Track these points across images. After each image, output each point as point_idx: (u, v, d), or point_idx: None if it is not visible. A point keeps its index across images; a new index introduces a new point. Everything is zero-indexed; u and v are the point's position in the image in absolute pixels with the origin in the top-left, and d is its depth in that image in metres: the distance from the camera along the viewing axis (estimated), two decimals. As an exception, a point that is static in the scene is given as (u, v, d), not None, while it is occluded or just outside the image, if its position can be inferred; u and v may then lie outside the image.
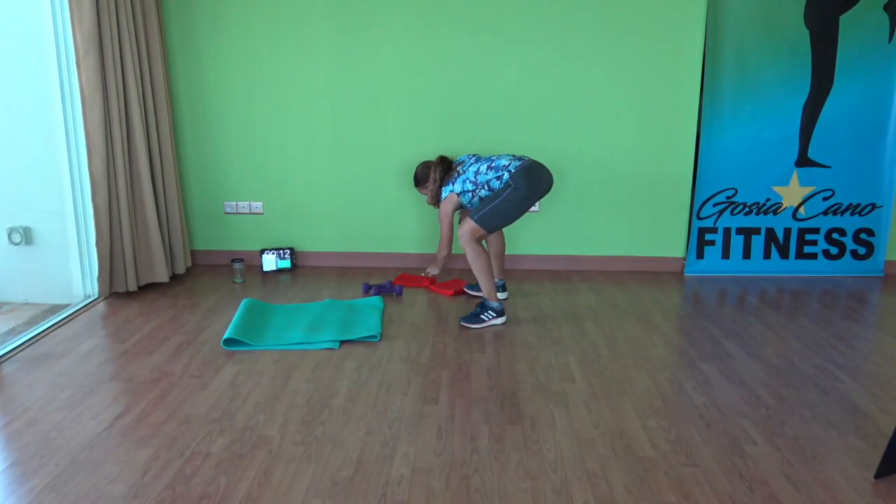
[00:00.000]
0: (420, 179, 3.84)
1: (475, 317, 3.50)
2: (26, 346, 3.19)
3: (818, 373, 2.95)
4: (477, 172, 3.56)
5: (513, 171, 3.44)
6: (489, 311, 3.50)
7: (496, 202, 3.44)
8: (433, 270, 4.10)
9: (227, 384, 2.81)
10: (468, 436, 2.41)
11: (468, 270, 4.45)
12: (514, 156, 3.56)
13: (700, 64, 4.19)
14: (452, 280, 4.27)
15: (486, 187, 3.54)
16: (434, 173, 3.72)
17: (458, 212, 3.86)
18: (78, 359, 3.06)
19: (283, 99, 4.37)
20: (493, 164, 3.52)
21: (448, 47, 4.22)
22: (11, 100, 3.74)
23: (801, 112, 4.23)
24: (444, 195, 3.68)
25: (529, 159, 3.52)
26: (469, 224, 3.46)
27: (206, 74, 4.35)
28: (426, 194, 3.80)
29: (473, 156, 3.73)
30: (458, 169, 3.69)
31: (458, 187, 3.62)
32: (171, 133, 4.18)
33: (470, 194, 3.60)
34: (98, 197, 3.70)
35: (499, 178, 3.48)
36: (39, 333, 3.34)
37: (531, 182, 3.43)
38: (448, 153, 4.34)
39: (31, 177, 3.83)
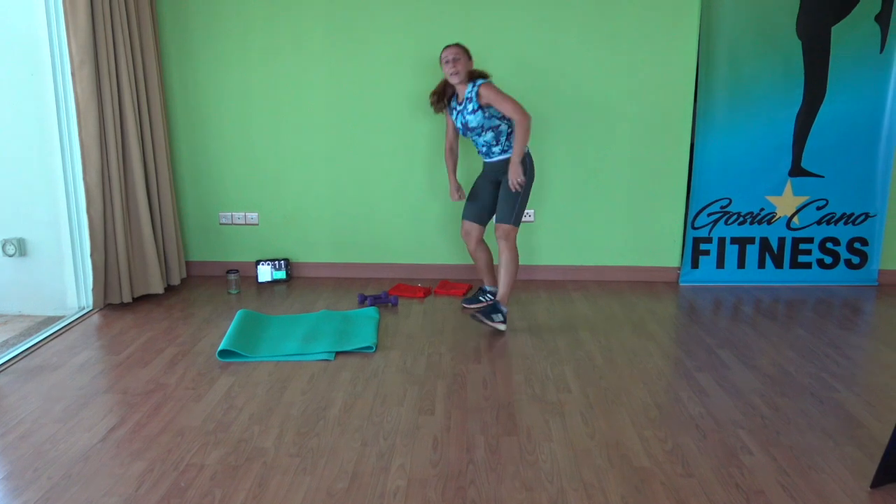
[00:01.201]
0: (465, 48, 3.59)
1: (487, 315, 3.50)
2: (20, 359, 3.18)
3: (813, 382, 2.96)
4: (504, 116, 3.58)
5: (527, 150, 3.60)
6: (500, 314, 3.54)
7: (520, 198, 3.56)
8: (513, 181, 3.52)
9: (221, 396, 2.80)
10: (464, 447, 2.41)
11: (475, 279, 4.46)
12: None
13: (693, 74, 4.22)
14: (455, 283, 4.36)
15: (507, 127, 3.57)
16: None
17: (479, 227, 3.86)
18: (72, 371, 3.05)
19: (278, 109, 4.37)
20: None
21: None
22: (6, 111, 3.74)
23: (794, 122, 4.26)
24: (476, 85, 3.51)
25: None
26: (506, 228, 3.57)
27: (201, 85, 4.36)
28: (461, 59, 3.51)
29: None
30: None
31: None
32: (167, 144, 4.18)
33: (497, 120, 3.53)
34: (93, 208, 3.69)
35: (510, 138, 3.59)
36: (33, 345, 3.32)
37: (533, 169, 3.64)
38: (444, 163, 4.36)
39: (26, 188, 3.82)
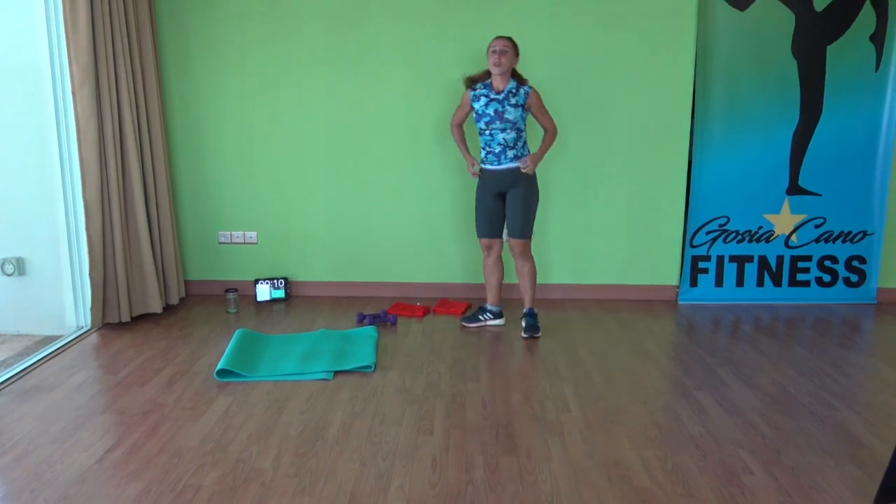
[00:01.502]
0: (516, 48, 3.66)
1: (536, 329, 3.77)
2: (17, 378, 3.16)
3: (813, 401, 2.95)
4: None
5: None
6: (539, 322, 3.87)
7: (531, 212, 3.75)
8: (530, 165, 3.71)
9: (219, 416, 2.79)
10: (463, 467, 2.39)
11: (474, 298, 4.46)
12: None
13: (690, 94, 4.25)
14: (454, 301, 4.37)
15: (523, 137, 3.72)
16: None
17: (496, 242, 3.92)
18: (69, 391, 3.03)
19: (277, 129, 4.39)
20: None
21: (440, 76, 4.27)
22: (7, 130, 3.75)
23: (790, 141, 4.28)
24: (528, 88, 3.67)
25: None
26: (523, 243, 3.76)
27: (200, 105, 4.38)
28: (508, 50, 3.58)
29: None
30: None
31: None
32: (166, 163, 4.20)
33: (520, 114, 3.65)
34: (92, 227, 3.70)
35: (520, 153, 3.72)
36: (31, 365, 3.31)
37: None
38: (444, 182, 4.39)
39: (26, 207, 3.83)
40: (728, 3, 4.11)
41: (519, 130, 3.67)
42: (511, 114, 3.62)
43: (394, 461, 2.43)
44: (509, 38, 3.64)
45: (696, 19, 4.15)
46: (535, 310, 3.86)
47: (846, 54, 4.17)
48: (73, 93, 3.58)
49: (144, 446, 2.54)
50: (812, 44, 4.16)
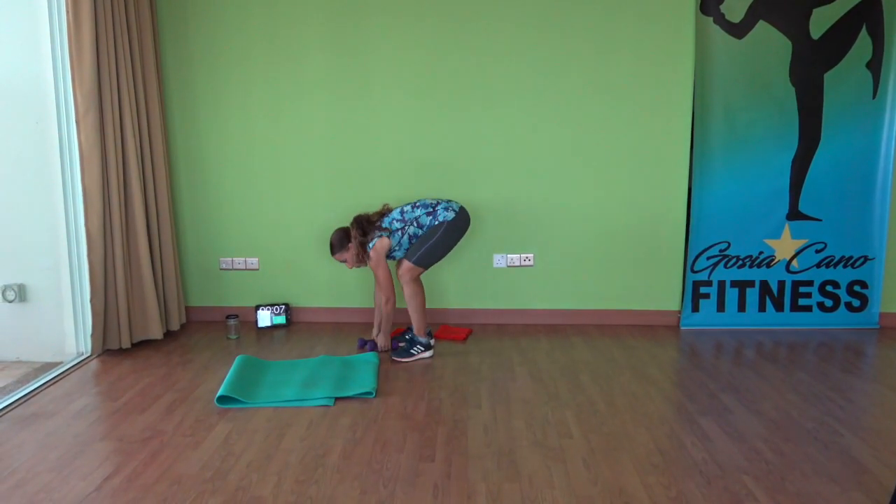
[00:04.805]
0: (336, 244, 3.87)
1: (405, 351, 3.80)
2: (16, 406, 3.15)
3: (817, 426, 2.93)
4: (402, 211, 3.80)
5: (447, 208, 3.75)
6: (418, 346, 3.80)
7: (431, 241, 3.72)
8: (382, 341, 3.93)
9: (219, 443, 2.77)
10: (465, 495, 2.37)
11: (474, 324, 4.45)
12: (435, 199, 3.85)
13: (689, 121, 4.28)
14: (455, 327, 4.36)
15: (415, 224, 3.75)
16: (354, 230, 3.82)
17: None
18: (68, 418, 3.02)
19: (279, 156, 4.42)
20: (419, 203, 3.79)
21: (442, 107, 4.31)
22: (10, 157, 3.78)
23: (790, 166, 4.30)
24: (371, 245, 3.76)
25: (454, 202, 3.82)
26: (407, 264, 3.75)
27: (203, 132, 4.42)
28: (346, 259, 3.86)
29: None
30: (380, 220, 3.84)
31: (384, 223, 3.78)
32: (168, 189, 4.22)
33: (399, 233, 3.76)
34: (94, 254, 3.70)
35: (430, 213, 3.73)
36: (30, 392, 3.30)
37: (462, 221, 3.77)
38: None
39: (28, 234, 3.84)
40: (725, 32, 4.16)
41: (404, 228, 3.76)
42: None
43: (395, 488, 2.41)
44: (332, 250, 3.86)
45: (693, 48, 4.19)
46: (419, 338, 3.84)
47: (843, 81, 4.21)
48: (77, 121, 3.62)
49: (143, 474, 2.52)
50: (809, 71, 4.20)
